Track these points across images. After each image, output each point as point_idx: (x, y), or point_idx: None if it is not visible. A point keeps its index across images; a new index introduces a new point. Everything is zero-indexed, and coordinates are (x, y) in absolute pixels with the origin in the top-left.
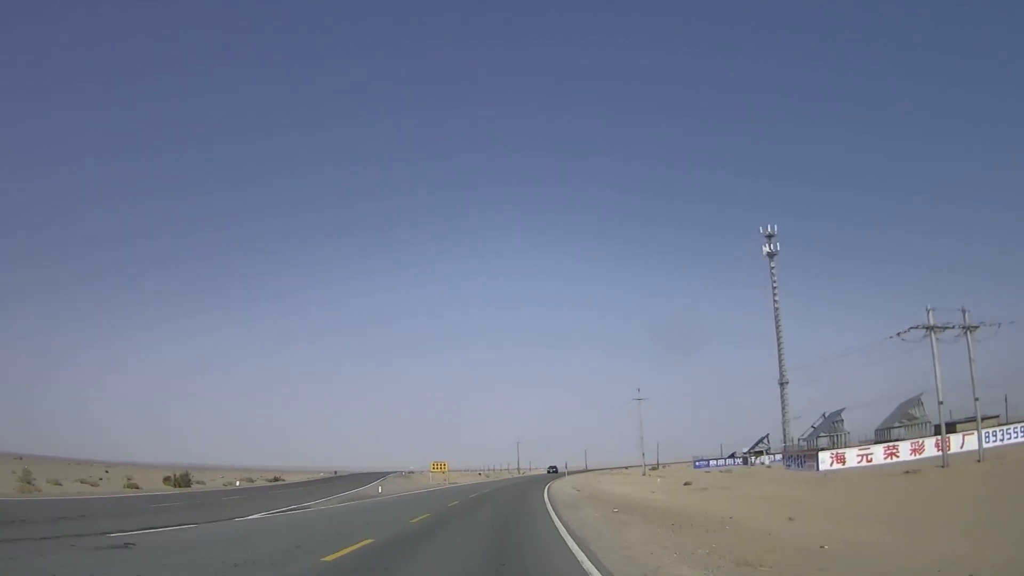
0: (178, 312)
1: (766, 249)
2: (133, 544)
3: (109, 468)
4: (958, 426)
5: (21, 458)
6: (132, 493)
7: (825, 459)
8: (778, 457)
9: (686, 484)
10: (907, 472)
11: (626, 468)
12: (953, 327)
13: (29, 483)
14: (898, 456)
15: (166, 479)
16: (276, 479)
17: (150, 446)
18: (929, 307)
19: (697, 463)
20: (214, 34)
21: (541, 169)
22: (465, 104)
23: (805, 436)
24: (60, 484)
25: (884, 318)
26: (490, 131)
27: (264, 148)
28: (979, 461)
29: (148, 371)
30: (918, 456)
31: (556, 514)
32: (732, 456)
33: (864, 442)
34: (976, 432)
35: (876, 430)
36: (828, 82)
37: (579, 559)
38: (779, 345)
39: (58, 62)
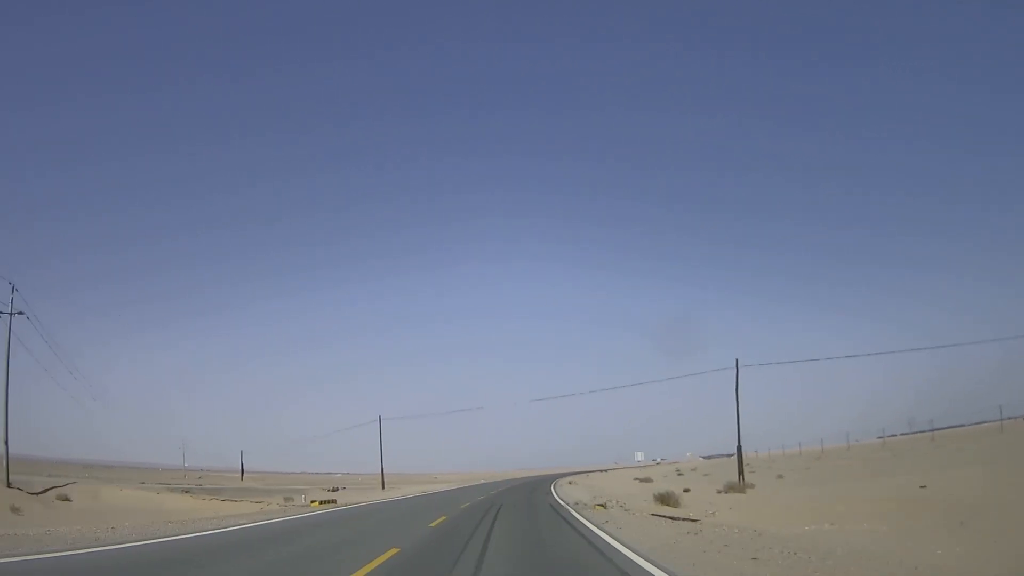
0: (167, 316)
1: None
2: None
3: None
4: None
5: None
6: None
7: None
8: None
9: None
10: None
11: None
12: None
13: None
14: None
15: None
16: None
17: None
18: None
19: None
20: (210, 39)
21: (537, 174)
22: (463, 108)
23: None
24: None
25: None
26: (488, 135)
27: (256, 153)
28: None
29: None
30: None
31: None
32: None
33: None
34: None
35: None
36: (829, 82)
37: None
38: None
39: (55, 67)
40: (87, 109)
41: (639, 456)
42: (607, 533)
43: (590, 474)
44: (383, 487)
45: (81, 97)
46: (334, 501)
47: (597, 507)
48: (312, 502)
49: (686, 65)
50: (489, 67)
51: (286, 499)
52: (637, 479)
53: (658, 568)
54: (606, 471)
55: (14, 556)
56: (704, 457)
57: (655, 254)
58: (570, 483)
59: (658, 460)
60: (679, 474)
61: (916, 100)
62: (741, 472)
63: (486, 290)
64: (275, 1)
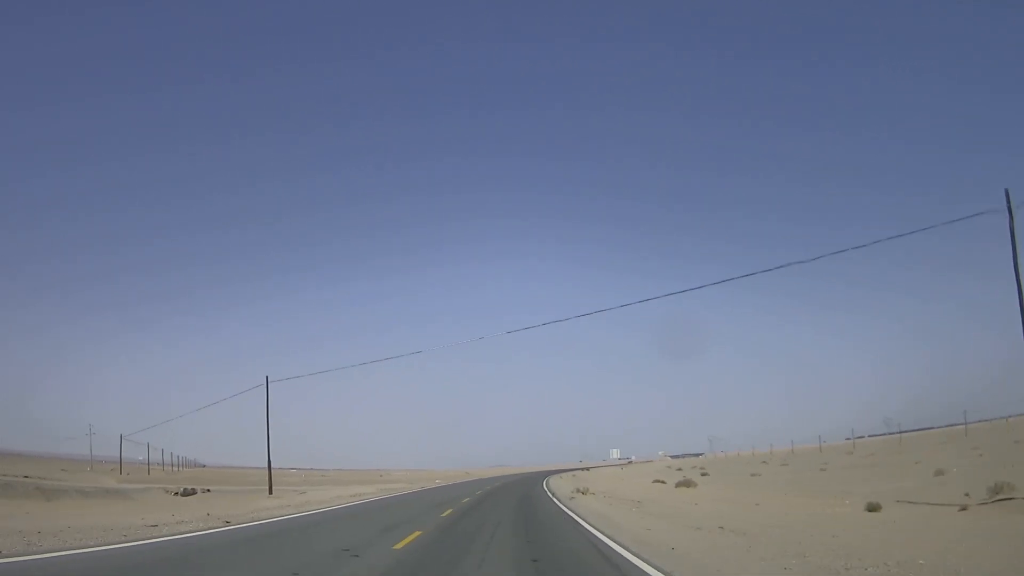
0: (167, 311)
1: None
2: None
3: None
4: None
5: None
6: None
7: None
8: None
9: None
10: None
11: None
12: None
13: None
14: None
15: None
16: None
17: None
18: None
19: None
20: (210, 40)
21: (537, 174)
22: (463, 108)
23: None
24: None
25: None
26: (488, 136)
27: (256, 153)
28: None
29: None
30: None
31: None
32: None
33: None
34: None
35: None
36: (828, 83)
37: None
38: None
39: (54, 69)
40: (88, 109)
41: (615, 453)
42: None
43: (576, 474)
44: (270, 491)
45: (81, 97)
46: None
47: None
48: None
49: (686, 65)
50: (489, 67)
51: None
52: (660, 481)
53: None
54: (588, 469)
55: None
56: (672, 456)
57: (655, 254)
58: (582, 492)
59: (631, 459)
60: (704, 473)
61: (915, 100)
62: None
63: (484, 290)
64: (275, 1)
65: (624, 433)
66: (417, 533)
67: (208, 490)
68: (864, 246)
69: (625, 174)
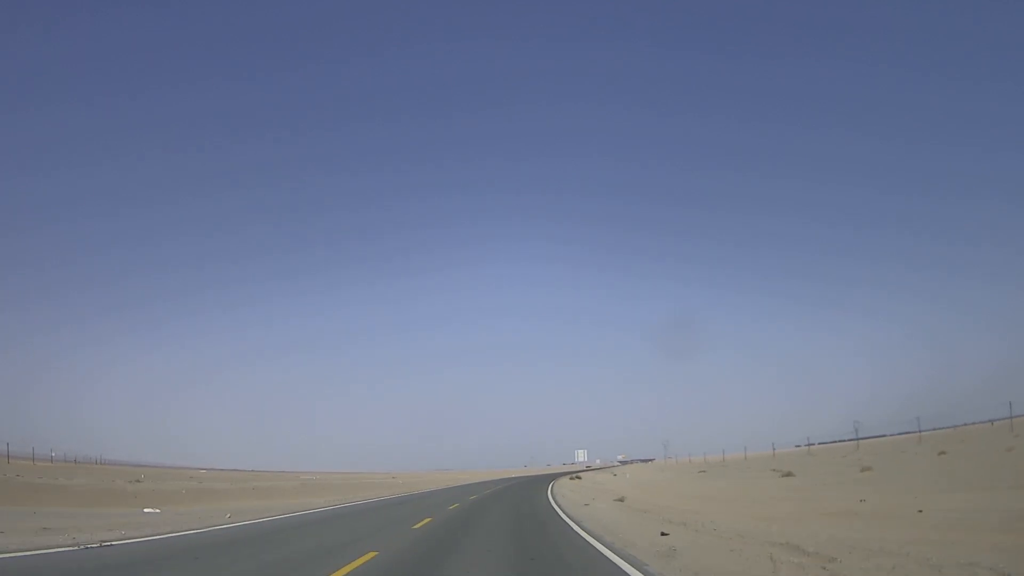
0: (168, 316)
1: None
2: None
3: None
4: None
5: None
6: None
7: None
8: None
9: None
10: None
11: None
12: None
13: None
14: None
15: None
16: None
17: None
18: None
19: None
20: (210, 41)
21: (537, 174)
22: (464, 109)
23: None
24: None
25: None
26: (489, 136)
27: (265, 154)
28: None
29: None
30: None
31: None
32: None
33: None
34: None
35: None
36: (826, 81)
37: None
38: None
39: (56, 68)
40: (87, 109)
41: (581, 455)
42: None
43: (596, 497)
44: None
45: (82, 97)
46: None
47: None
48: None
49: (686, 65)
50: (490, 67)
51: None
52: None
53: None
54: (578, 476)
55: None
56: (621, 462)
57: (655, 254)
58: None
59: (597, 462)
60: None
61: (914, 98)
62: None
63: (483, 292)
64: (276, 2)
65: (577, 437)
66: None
67: None
68: None
69: (627, 174)
